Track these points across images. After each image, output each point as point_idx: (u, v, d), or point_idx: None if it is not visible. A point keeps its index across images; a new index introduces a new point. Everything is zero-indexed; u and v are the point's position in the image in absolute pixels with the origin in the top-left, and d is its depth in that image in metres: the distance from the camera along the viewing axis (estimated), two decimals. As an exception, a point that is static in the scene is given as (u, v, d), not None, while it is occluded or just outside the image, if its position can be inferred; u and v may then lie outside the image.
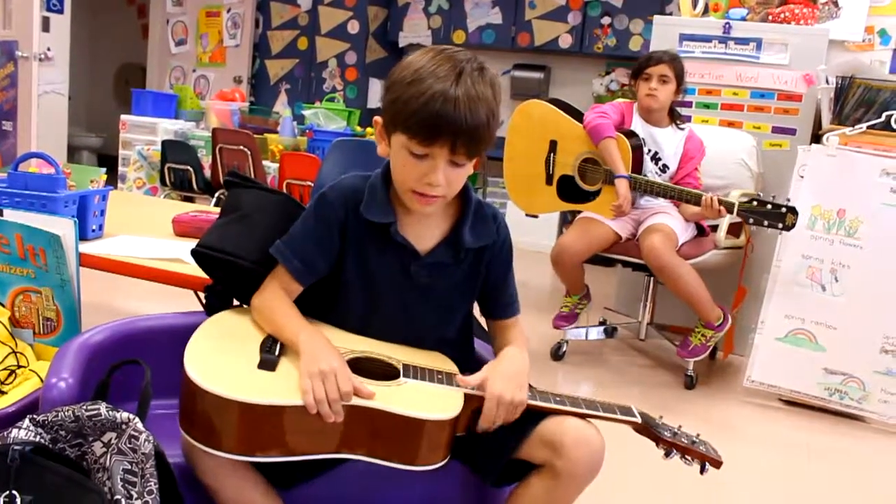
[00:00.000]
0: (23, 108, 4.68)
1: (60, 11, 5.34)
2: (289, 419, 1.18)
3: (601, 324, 3.63)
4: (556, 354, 3.27)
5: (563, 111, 3.26)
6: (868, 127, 2.93)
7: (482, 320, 1.51)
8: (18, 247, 1.59)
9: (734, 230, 3.23)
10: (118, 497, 1.13)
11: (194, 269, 1.53)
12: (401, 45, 6.45)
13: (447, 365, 1.37)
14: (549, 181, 3.27)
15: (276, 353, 1.28)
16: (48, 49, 4.86)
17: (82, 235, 1.83)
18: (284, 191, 3.30)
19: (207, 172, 4.72)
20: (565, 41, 5.85)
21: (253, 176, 4.15)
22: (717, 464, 1.34)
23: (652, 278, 3.35)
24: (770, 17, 3.49)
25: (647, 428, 1.33)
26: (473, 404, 1.27)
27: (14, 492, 1.09)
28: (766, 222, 2.70)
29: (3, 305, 1.63)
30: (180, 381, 1.22)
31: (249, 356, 1.27)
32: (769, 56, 3.45)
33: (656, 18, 3.79)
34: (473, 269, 1.41)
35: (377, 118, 1.33)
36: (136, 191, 5.15)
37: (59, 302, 1.61)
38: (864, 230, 2.86)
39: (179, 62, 7.24)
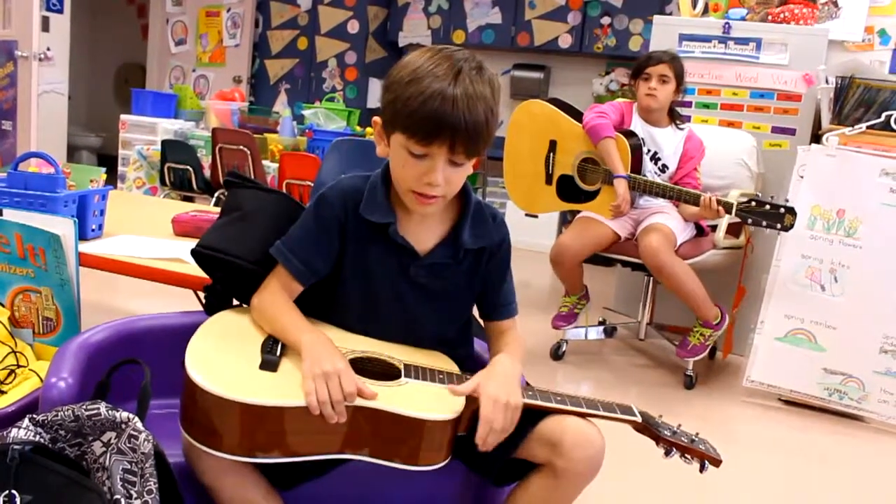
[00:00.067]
0: (22, 107, 4.68)
1: (60, 11, 5.34)
2: (291, 420, 1.18)
3: (601, 323, 3.64)
4: (556, 354, 3.27)
5: (562, 111, 3.26)
6: (868, 127, 2.93)
7: (482, 320, 1.51)
8: (18, 246, 1.59)
9: (734, 230, 3.23)
10: (118, 496, 1.13)
11: (194, 269, 1.53)
12: (400, 44, 6.45)
13: (448, 365, 1.37)
14: (548, 181, 3.27)
15: (278, 353, 1.28)
16: (48, 49, 4.85)
17: (82, 235, 1.83)
18: (284, 191, 3.30)
19: (207, 172, 4.72)
20: (565, 41, 5.85)
21: (253, 176, 4.15)
22: (717, 462, 1.34)
23: (651, 278, 3.35)
24: (770, 17, 3.49)
25: (647, 427, 1.33)
26: (474, 404, 1.27)
27: (14, 491, 1.09)
28: (764, 223, 2.70)
29: (3, 305, 1.63)
30: (181, 382, 1.22)
31: (250, 356, 1.27)
32: (769, 56, 3.45)
33: (656, 18, 3.79)
34: (473, 269, 1.41)
35: (376, 118, 1.33)
36: (136, 190, 5.14)
37: (58, 301, 1.61)
38: (863, 230, 2.87)
39: (179, 62, 7.24)
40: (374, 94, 6.52)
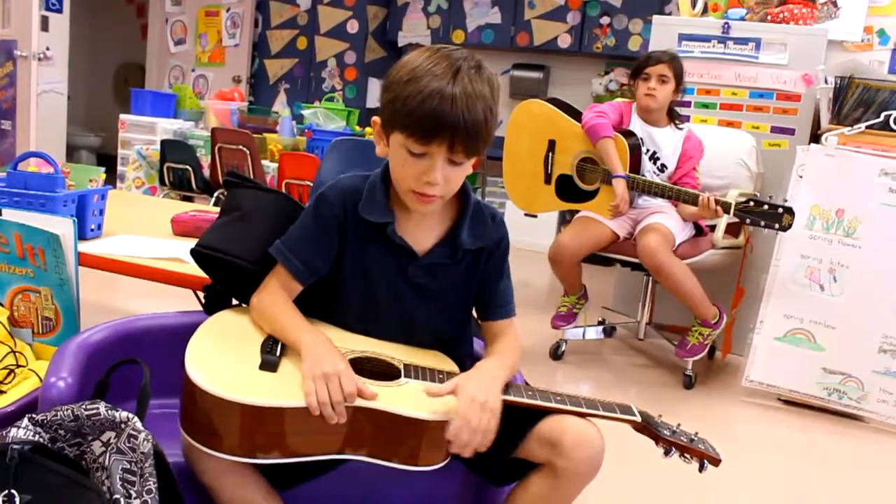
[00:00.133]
0: (22, 107, 4.68)
1: (59, 11, 5.33)
2: (291, 421, 1.18)
3: (600, 323, 3.64)
4: (555, 354, 3.28)
5: (561, 111, 3.26)
6: (867, 127, 2.93)
7: (479, 320, 1.51)
8: (17, 246, 1.59)
9: (733, 230, 3.23)
10: (117, 496, 1.13)
11: (193, 269, 1.53)
12: (400, 44, 6.45)
13: (448, 364, 1.37)
14: (547, 181, 3.27)
15: (278, 353, 1.28)
16: (47, 48, 4.86)
17: (81, 235, 1.83)
18: (283, 191, 3.30)
19: (206, 172, 4.72)
20: (564, 41, 5.85)
21: (252, 176, 4.15)
22: (716, 462, 1.34)
23: (650, 278, 3.35)
24: (769, 17, 3.49)
25: (647, 426, 1.33)
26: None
27: (13, 491, 1.09)
28: (762, 223, 2.70)
29: (3, 305, 1.63)
30: (181, 381, 1.22)
31: (250, 357, 1.27)
32: (768, 56, 3.45)
33: (655, 18, 3.80)
34: (471, 269, 1.41)
35: (375, 118, 1.33)
36: (135, 190, 5.14)
37: (58, 301, 1.61)
38: (862, 230, 2.87)
39: (178, 62, 7.23)
40: (374, 93, 6.52)
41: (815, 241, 2.92)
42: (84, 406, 1.18)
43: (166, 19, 7.22)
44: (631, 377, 3.21)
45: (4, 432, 1.16)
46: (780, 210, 2.66)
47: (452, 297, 1.42)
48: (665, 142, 3.12)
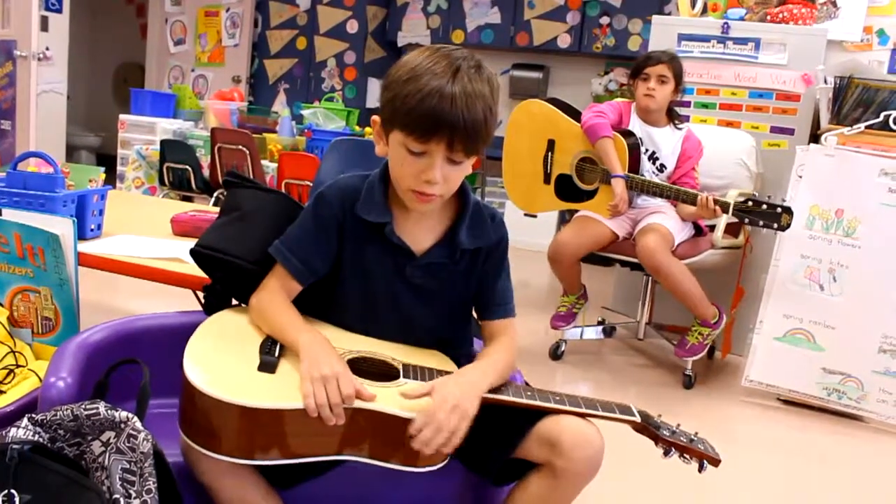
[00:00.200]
0: (21, 107, 4.68)
1: (59, 10, 5.33)
2: (289, 423, 1.18)
3: (599, 323, 3.64)
4: (555, 354, 3.28)
5: (561, 111, 3.26)
6: (866, 127, 2.93)
7: (477, 320, 1.51)
8: (17, 246, 1.59)
9: (733, 230, 3.23)
10: (117, 496, 1.13)
11: (193, 269, 1.53)
12: (400, 44, 6.45)
13: (447, 364, 1.37)
14: (546, 180, 3.27)
15: (276, 354, 1.28)
16: (47, 48, 4.86)
17: (81, 235, 1.83)
18: (283, 191, 3.30)
19: (206, 172, 4.72)
20: (564, 41, 5.85)
21: (252, 176, 4.15)
22: (716, 462, 1.34)
23: (650, 278, 3.35)
24: (768, 17, 3.49)
25: (646, 427, 1.33)
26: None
27: (13, 491, 1.09)
28: (761, 222, 2.70)
29: (2, 305, 1.63)
30: (180, 383, 1.22)
31: (249, 357, 1.27)
32: (768, 56, 3.45)
33: (655, 18, 3.80)
34: (470, 270, 1.40)
35: (375, 117, 1.34)
36: (135, 190, 5.14)
37: (57, 301, 1.61)
38: (862, 230, 2.87)
39: (178, 62, 7.23)
40: (374, 93, 6.52)
41: (815, 241, 2.92)
42: (84, 406, 1.18)
43: (166, 19, 7.22)
44: (630, 377, 3.21)
45: (4, 432, 1.16)
46: (779, 209, 2.66)
47: (451, 298, 1.42)
48: (664, 142, 3.12)
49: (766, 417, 2.91)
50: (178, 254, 1.81)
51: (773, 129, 3.48)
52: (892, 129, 2.89)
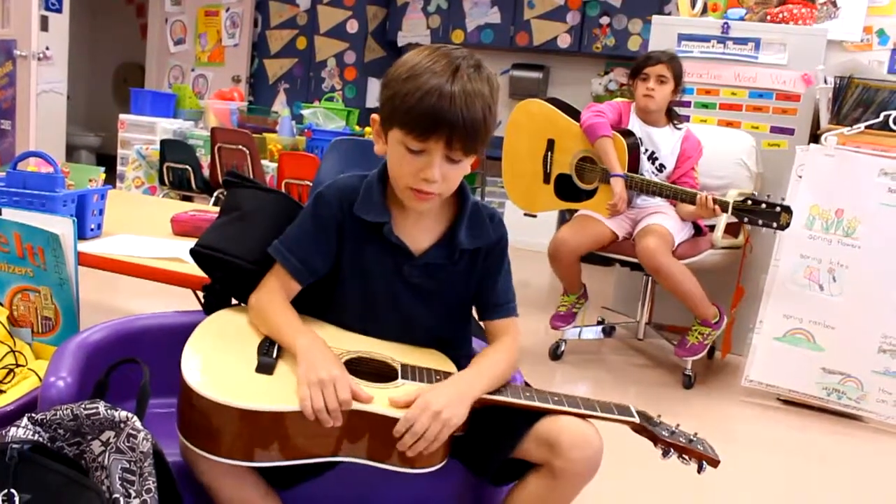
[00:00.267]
0: (21, 107, 4.68)
1: (59, 10, 5.33)
2: (287, 425, 1.18)
3: (599, 323, 3.64)
4: (555, 354, 3.28)
5: (561, 110, 3.26)
6: (866, 127, 2.93)
7: (479, 319, 1.51)
8: (17, 246, 1.59)
9: (733, 230, 3.23)
10: (116, 496, 1.13)
11: (193, 269, 1.53)
12: (399, 44, 6.45)
13: (446, 365, 1.36)
14: (546, 180, 3.27)
15: (274, 355, 1.28)
16: (47, 48, 4.86)
17: (81, 234, 1.83)
18: (283, 190, 3.30)
19: (206, 172, 4.72)
20: (564, 41, 5.85)
21: (251, 175, 4.15)
22: (715, 463, 1.34)
23: (650, 278, 3.35)
24: (768, 17, 3.49)
25: (645, 427, 1.33)
26: (476, 404, 1.27)
27: (13, 490, 1.09)
28: (760, 221, 2.70)
29: (2, 304, 1.63)
30: (178, 384, 1.22)
31: (247, 358, 1.27)
32: (767, 56, 3.45)
33: (655, 18, 3.80)
34: (469, 270, 1.40)
35: (374, 116, 1.34)
36: (135, 190, 5.14)
37: (57, 301, 1.61)
38: (862, 230, 2.87)
39: (178, 61, 7.23)
40: (374, 93, 6.52)
41: (815, 241, 2.92)
42: (83, 405, 1.18)
43: (166, 19, 7.22)
44: (630, 377, 3.21)
45: (4, 432, 1.16)
46: (778, 209, 2.66)
47: (450, 298, 1.42)
48: (664, 142, 3.12)
49: (766, 417, 2.91)
50: (177, 253, 1.81)
51: (773, 129, 3.48)
52: (891, 129, 2.89)
